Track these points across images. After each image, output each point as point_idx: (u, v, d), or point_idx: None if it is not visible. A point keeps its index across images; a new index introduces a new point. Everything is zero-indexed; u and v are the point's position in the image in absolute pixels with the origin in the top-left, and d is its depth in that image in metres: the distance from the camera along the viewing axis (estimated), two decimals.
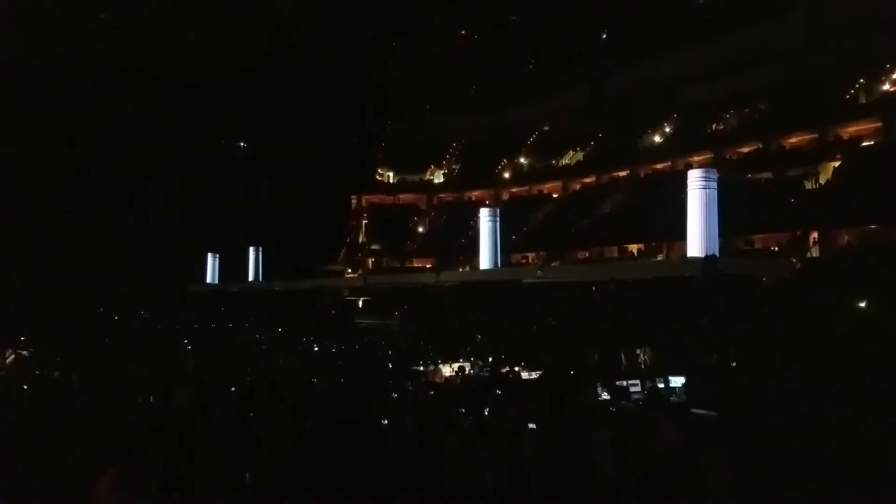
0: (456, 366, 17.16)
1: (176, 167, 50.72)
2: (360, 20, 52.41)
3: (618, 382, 11.99)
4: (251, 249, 50.29)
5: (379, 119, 55.23)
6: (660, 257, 32.26)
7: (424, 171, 53.76)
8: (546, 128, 49.63)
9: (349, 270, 48.19)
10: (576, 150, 46.09)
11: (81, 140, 46.19)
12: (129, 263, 43.65)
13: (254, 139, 59.76)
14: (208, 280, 52.09)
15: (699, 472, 5.16)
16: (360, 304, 41.49)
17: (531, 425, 7.44)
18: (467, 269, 39.28)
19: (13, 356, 15.98)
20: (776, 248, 28.39)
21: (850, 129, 30.90)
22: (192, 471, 4.93)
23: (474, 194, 50.47)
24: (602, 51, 47.04)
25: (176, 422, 7.39)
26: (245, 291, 47.43)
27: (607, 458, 5.48)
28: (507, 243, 36.57)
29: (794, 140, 33.25)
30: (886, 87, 31.01)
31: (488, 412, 8.60)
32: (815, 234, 27.39)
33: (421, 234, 50.70)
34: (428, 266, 44.57)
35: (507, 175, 49.65)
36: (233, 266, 50.54)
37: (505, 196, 48.46)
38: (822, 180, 29.35)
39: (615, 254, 35.44)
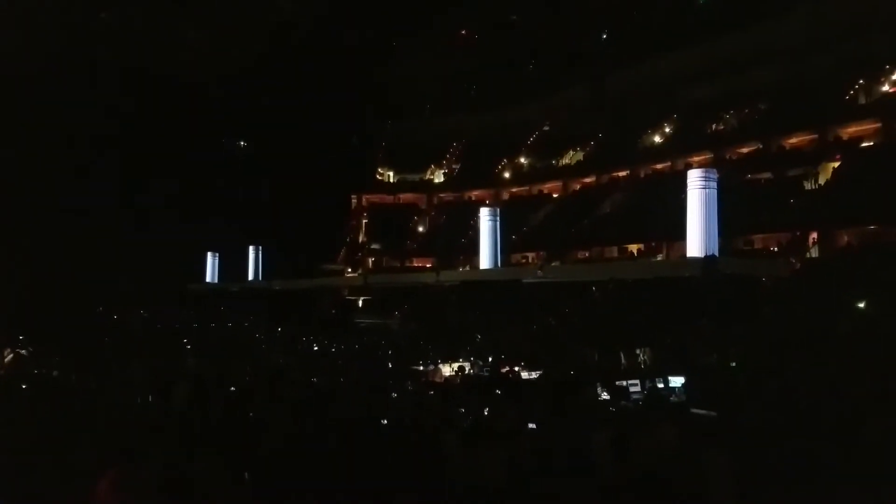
0: (456, 365, 17.15)
1: (176, 167, 50.75)
2: (360, 20, 52.46)
3: (618, 382, 11.98)
4: (251, 249, 50.31)
5: (379, 119, 55.26)
6: (660, 257, 32.28)
7: (424, 171, 53.78)
8: (546, 128, 49.64)
9: (349, 270, 48.20)
10: (576, 150, 46.09)
11: (81, 140, 46.18)
12: (129, 263, 43.65)
13: (254, 139, 59.81)
14: (208, 279, 52.10)
15: (699, 472, 5.15)
16: (360, 303, 41.50)
17: (531, 425, 7.44)
18: (467, 268, 39.30)
19: (12, 355, 15.96)
20: (776, 248, 28.40)
21: (850, 130, 30.91)
22: (192, 470, 4.93)
23: (474, 194, 50.50)
24: (602, 51, 47.07)
25: (176, 421, 7.38)
26: (245, 291, 47.43)
27: (607, 458, 5.48)
28: (507, 243, 36.59)
29: (794, 140, 33.27)
30: (886, 87, 31.01)
31: (488, 412, 8.60)
32: (814, 235, 27.41)
33: (421, 233, 50.72)
34: (428, 266, 44.59)
35: (507, 175, 49.65)
36: (233, 265, 50.56)
37: (505, 196, 48.47)
38: (822, 180, 29.36)
39: (615, 254, 35.46)
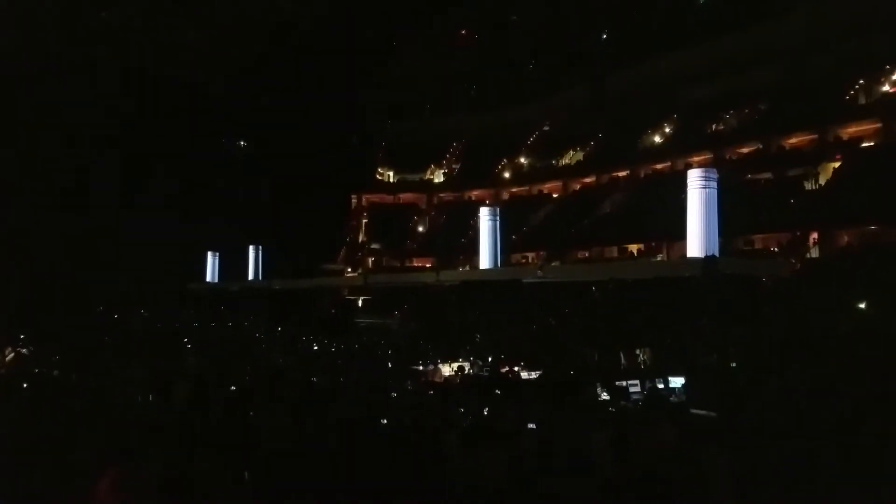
0: (456, 365, 17.13)
1: (176, 167, 50.74)
2: (360, 20, 52.45)
3: (617, 382, 11.98)
4: (251, 248, 50.29)
5: (379, 119, 55.26)
6: (660, 257, 32.26)
7: (424, 171, 53.76)
8: (546, 128, 49.62)
9: (349, 270, 48.19)
10: (576, 150, 46.08)
11: (81, 140, 46.19)
12: (129, 263, 43.66)
13: (254, 139, 59.81)
14: (208, 279, 52.09)
15: (699, 472, 5.16)
16: (360, 303, 41.49)
17: (531, 425, 7.44)
18: (467, 268, 39.27)
19: (13, 354, 15.98)
20: (776, 249, 28.39)
21: (850, 130, 30.89)
22: (192, 470, 4.93)
23: (474, 194, 50.47)
24: (602, 51, 47.05)
25: (176, 421, 7.38)
26: (245, 290, 47.41)
27: (607, 458, 5.48)
28: (507, 243, 36.58)
29: (794, 140, 33.25)
30: (886, 87, 31.01)
31: (488, 412, 8.60)
32: (814, 235, 27.40)
33: (421, 233, 50.70)
34: (428, 265, 44.57)
35: (507, 175, 49.64)
36: (233, 265, 50.55)
37: (505, 196, 48.45)
38: (822, 181, 29.36)
39: (615, 254, 35.44)
